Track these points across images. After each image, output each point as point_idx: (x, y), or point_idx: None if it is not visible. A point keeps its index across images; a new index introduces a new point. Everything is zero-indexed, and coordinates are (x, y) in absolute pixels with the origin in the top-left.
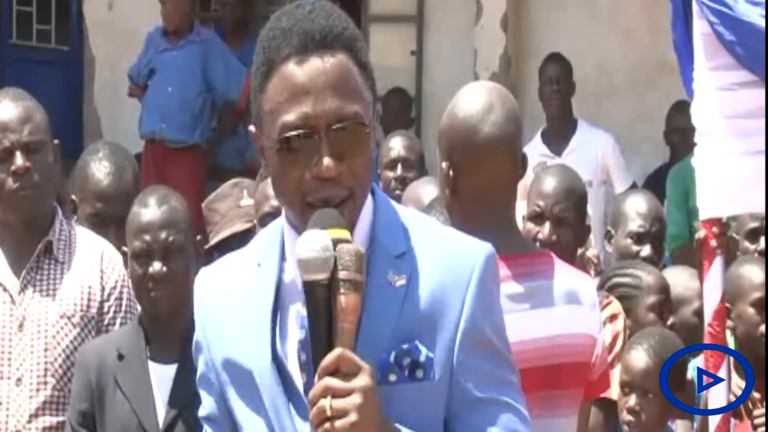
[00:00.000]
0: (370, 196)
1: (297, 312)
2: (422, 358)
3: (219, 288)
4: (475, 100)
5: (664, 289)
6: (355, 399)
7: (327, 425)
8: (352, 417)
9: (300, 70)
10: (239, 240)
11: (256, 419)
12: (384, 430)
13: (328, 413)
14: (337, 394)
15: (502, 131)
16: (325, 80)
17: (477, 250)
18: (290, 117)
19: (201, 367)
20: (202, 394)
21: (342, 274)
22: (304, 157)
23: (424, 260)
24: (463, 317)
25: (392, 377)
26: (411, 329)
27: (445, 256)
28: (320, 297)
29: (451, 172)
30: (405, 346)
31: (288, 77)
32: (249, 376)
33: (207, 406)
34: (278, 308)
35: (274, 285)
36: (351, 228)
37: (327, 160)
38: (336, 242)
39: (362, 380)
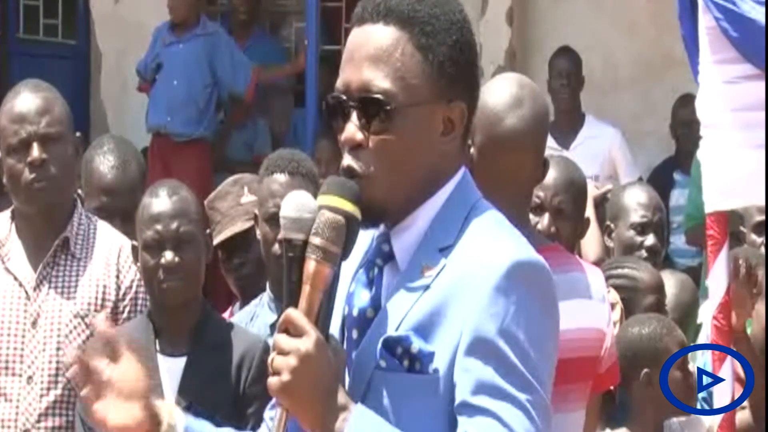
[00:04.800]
0: (453, 182)
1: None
2: (414, 350)
3: None
4: (506, 91)
5: (660, 288)
6: (290, 360)
7: (270, 379)
8: (284, 377)
9: (351, 38)
10: (241, 239)
11: None
12: (328, 401)
13: (270, 369)
14: (279, 351)
15: (526, 126)
16: (364, 50)
17: (507, 255)
18: (338, 82)
19: None
20: None
21: (312, 239)
22: (341, 122)
23: (459, 257)
24: (470, 318)
25: (382, 363)
26: (419, 320)
27: (475, 256)
28: (292, 257)
29: (471, 150)
30: (395, 335)
31: (347, 44)
32: None
33: None
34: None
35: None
36: (373, 205)
37: (348, 127)
38: (326, 208)
39: (302, 343)
